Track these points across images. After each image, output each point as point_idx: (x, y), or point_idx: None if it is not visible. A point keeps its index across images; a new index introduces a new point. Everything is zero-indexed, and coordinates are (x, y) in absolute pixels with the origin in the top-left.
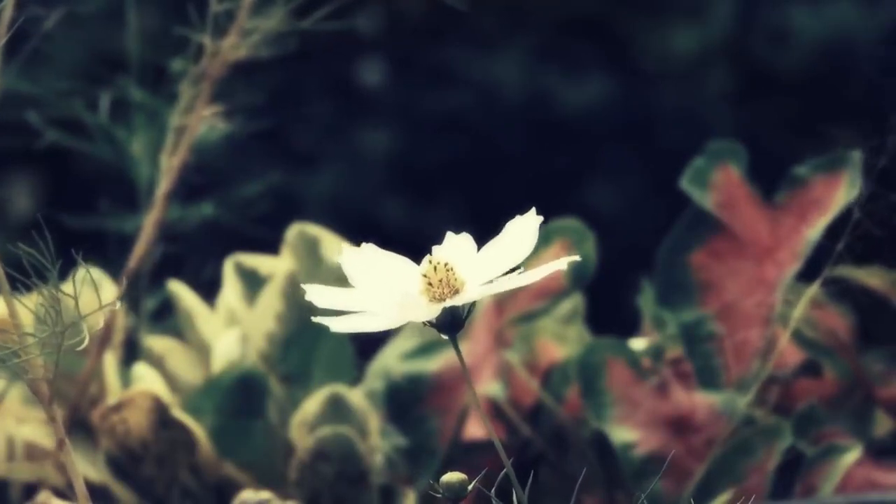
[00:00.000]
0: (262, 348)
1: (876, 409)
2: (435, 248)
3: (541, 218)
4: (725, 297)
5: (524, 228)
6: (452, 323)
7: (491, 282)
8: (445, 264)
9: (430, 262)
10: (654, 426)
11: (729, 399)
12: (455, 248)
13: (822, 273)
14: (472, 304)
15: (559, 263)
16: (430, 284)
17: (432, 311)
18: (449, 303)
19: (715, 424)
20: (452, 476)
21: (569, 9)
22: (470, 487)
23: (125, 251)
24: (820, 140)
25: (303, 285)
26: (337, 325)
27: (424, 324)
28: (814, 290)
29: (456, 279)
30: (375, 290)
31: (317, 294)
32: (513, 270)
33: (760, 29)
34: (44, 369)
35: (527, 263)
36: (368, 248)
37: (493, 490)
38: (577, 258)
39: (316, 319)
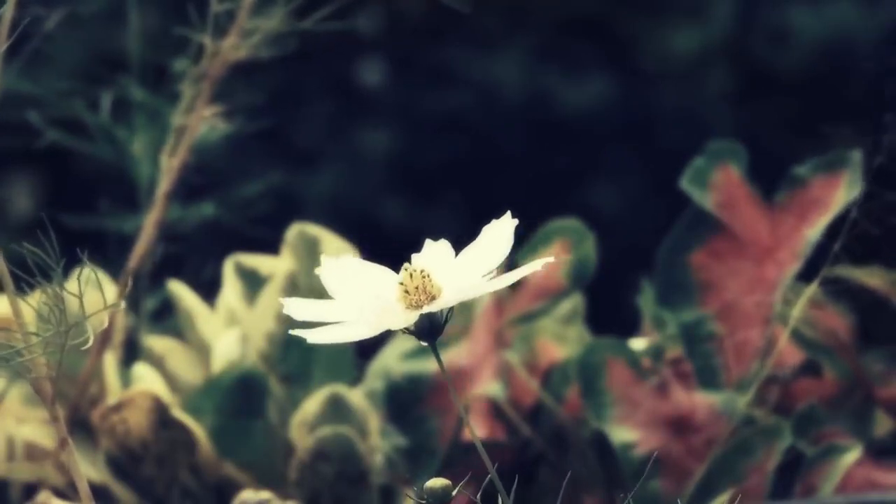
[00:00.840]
0: (262, 348)
1: (876, 409)
2: (414, 257)
3: (516, 221)
4: (725, 297)
5: (500, 232)
6: (431, 329)
7: (469, 286)
8: (421, 271)
9: (407, 270)
10: (654, 426)
11: (729, 399)
12: (433, 255)
13: (820, 273)
14: (451, 310)
15: (537, 264)
16: (406, 292)
17: (409, 318)
18: (426, 309)
19: (715, 424)
20: (436, 482)
21: (569, 9)
22: (454, 492)
23: (125, 251)
24: (820, 140)
25: (281, 300)
26: (314, 337)
27: (403, 331)
28: (812, 289)
29: (432, 285)
30: (354, 300)
31: (295, 308)
32: (499, 272)
33: (760, 29)
34: (47, 368)
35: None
36: (350, 259)
37: (478, 495)
38: (551, 259)
39: (294, 332)
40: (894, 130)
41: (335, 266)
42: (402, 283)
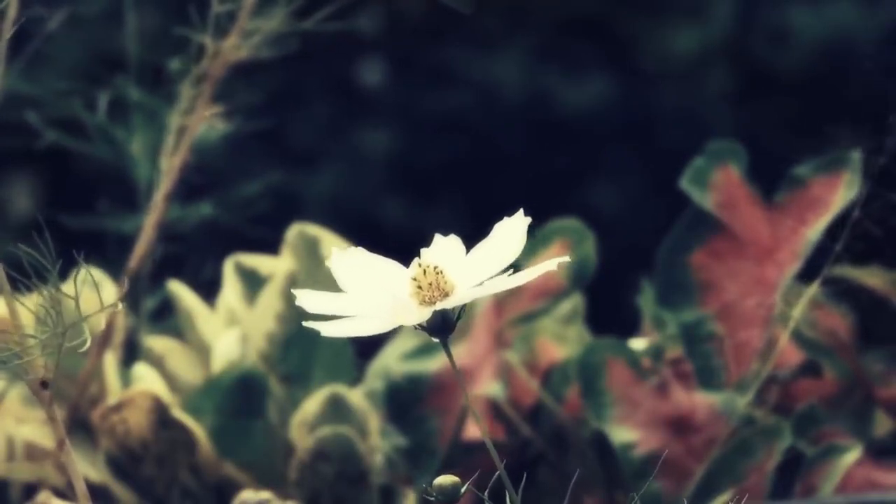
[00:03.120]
0: (262, 348)
1: (876, 409)
2: (424, 251)
3: (529, 219)
4: (725, 298)
5: (513, 229)
6: (443, 326)
7: (481, 283)
8: (435, 267)
9: (420, 265)
10: (654, 426)
11: (729, 399)
12: (444, 250)
13: (822, 273)
14: (463, 307)
15: (550, 264)
16: (419, 288)
17: (423, 315)
18: (439, 306)
19: (715, 424)
20: (445, 479)
21: (569, 9)
22: (463, 490)
23: (125, 251)
24: (820, 140)
25: (294, 291)
26: (328, 330)
27: (415, 327)
28: (813, 289)
29: (446, 282)
30: (366, 293)
31: (308, 299)
32: (512, 270)
33: (760, 29)
34: (44, 370)
35: (526, 264)
36: (358, 252)
37: (486, 492)
38: (567, 259)
39: (307, 324)
40: None
41: (345, 258)
42: (414, 279)
